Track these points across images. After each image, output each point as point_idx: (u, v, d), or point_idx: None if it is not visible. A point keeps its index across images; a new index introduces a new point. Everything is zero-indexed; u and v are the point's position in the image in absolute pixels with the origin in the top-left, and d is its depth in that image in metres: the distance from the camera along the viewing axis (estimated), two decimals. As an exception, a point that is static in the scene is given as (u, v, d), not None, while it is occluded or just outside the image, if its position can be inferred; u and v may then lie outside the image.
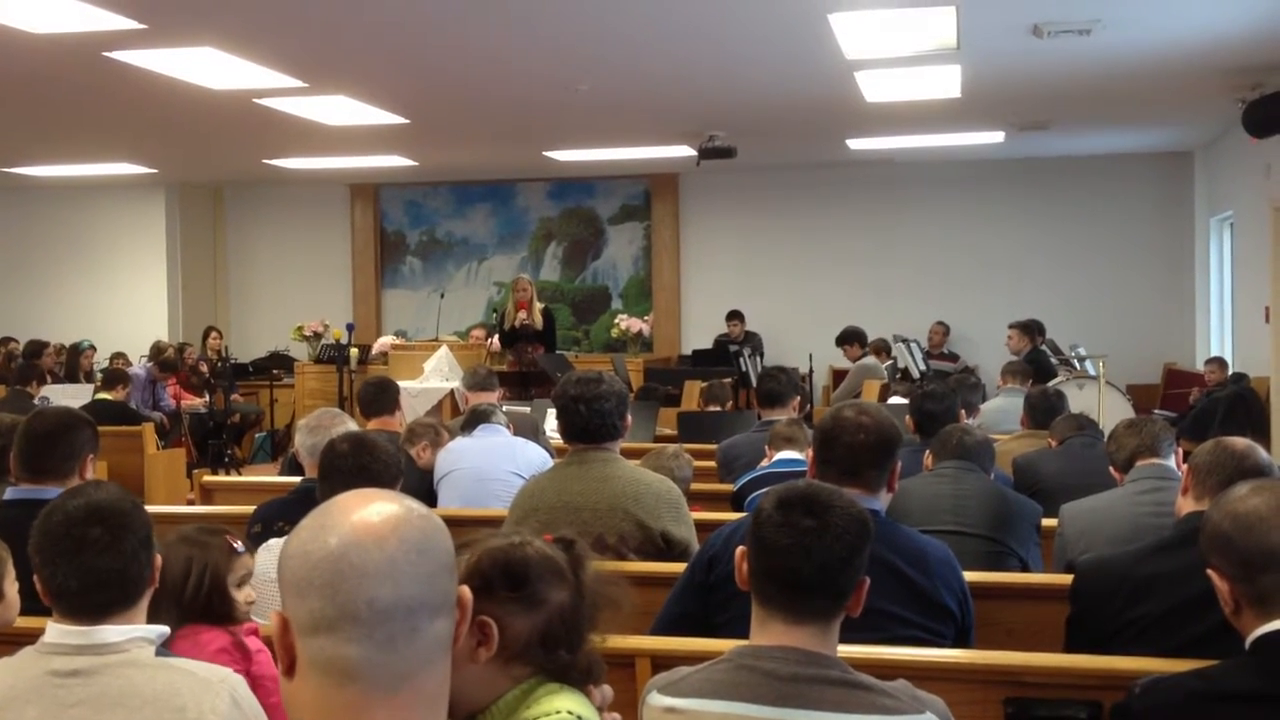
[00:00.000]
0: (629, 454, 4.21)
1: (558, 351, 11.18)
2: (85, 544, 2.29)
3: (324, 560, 1.42)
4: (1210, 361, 10.99)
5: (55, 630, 2.26)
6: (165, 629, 2.35)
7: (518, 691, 1.81)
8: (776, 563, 2.15)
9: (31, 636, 2.31)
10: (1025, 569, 3.87)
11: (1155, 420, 4.02)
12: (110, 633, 2.24)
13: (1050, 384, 8.02)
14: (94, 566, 2.27)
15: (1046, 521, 4.04)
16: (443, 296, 13.65)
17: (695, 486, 5.08)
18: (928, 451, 4.28)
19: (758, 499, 4.17)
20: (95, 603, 2.27)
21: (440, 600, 1.46)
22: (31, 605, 2.55)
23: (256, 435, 12.76)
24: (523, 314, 10.52)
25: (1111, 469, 3.98)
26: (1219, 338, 12.27)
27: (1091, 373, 9.39)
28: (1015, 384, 8.20)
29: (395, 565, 1.41)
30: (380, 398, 5.88)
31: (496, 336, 10.83)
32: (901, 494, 3.46)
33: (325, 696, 1.42)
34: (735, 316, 13.24)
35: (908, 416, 5.12)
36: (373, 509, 1.46)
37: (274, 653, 1.49)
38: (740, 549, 2.25)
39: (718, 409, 8.22)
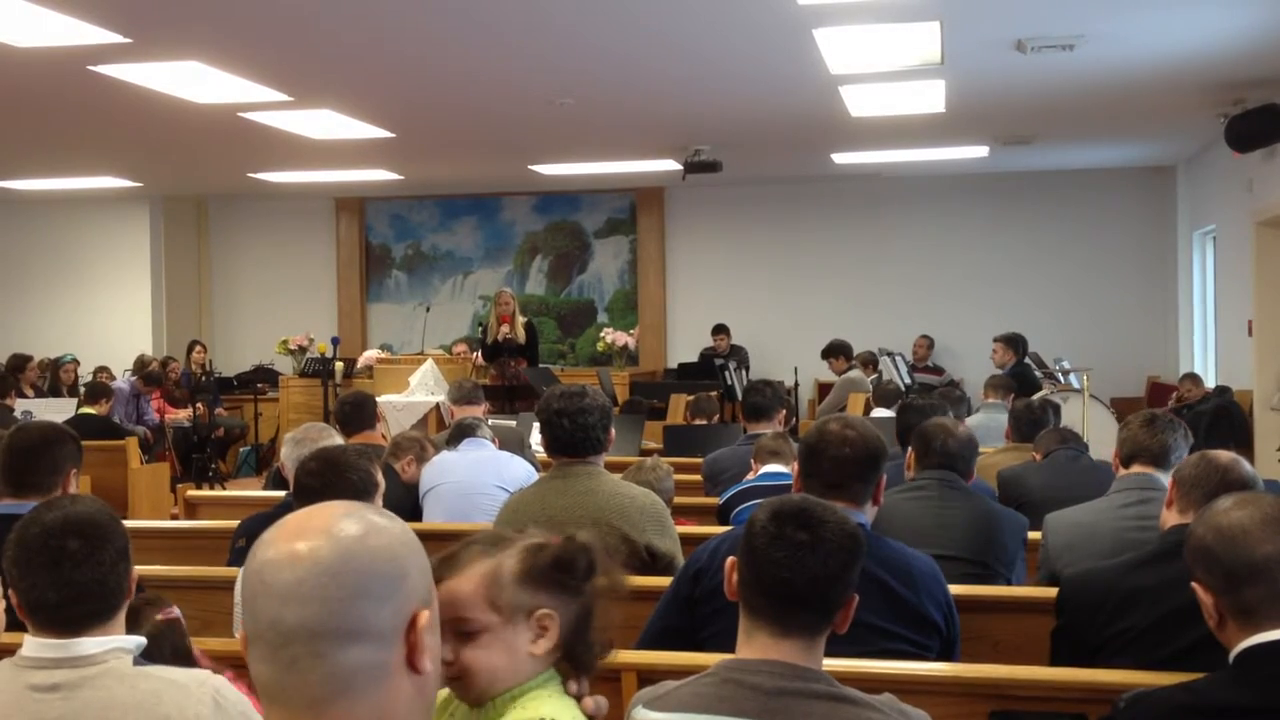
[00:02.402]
0: (613, 467, 4.20)
1: (543, 365, 11.17)
2: (64, 556, 2.27)
3: (248, 576, 1.43)
4: (1186, 378, 10.99)
5: (32, 644, 2.24)
6: (142, 639, 2.33)
7: (528, 685, 1.84)
8: (768, 574, 2.14)
9: (8, 652, 2.30)
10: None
11: (1177, 426, 3.79)
12: (88, 644, 2.22)
13: (1035, 397, 8.04)
14: (73, 579, 2.25)
15: (1032, 534, 4.03)
16: (428, 310, 13.63)
17: (681, 500, 5.08)
18: (909, 451, 4.10)
19: (745, 512, 4.16)
20: (74, 615, 2.25)
21: (355, 627, 1.39)
22: (10, 619, 2.52)
23: (241, 449, 12.71)
24: (505, 328, 10.51)
25: (1114, 457, 3.89)
26: (1202, 351, 12.32)
27: (1075, 386, 9.42)
28: (997, 399, 8.22)
29: (302, 587, 1.38)
30: (358, 414, 5.85)
31: (479, 353, 10.81)
32: (883, 514, 3.33)
33: (265, 712, 1.43)
34: (721, 330, 13.24)
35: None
36: (307, 526, 1.43)
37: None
38: (731, 559, 2.25)
39: (704, 422, 8.23)
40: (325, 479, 3.42)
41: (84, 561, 2.27)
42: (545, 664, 1.85)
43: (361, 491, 3.42)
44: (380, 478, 3.56)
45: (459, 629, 1.78)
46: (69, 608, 2.25)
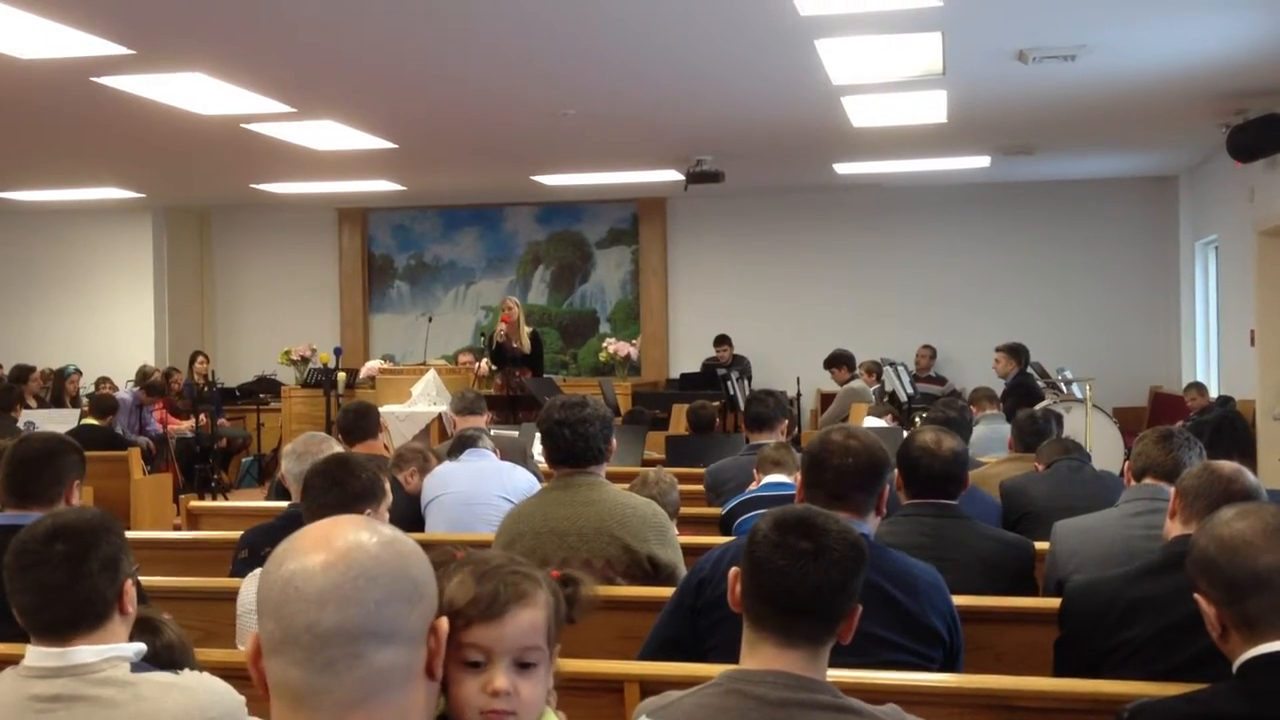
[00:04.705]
0: (616, 477, 4.20)
1: (545, 375, 11.17)
2: (42, 560, 2.30)
3: (275, 583, 1.45)
4: (1190, 387, 11.01)
5: (33, 654, 2.26)
6: (142, 646, 2.34)
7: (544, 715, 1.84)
8: (771, 584, 2.14)
9: (13, 662, 2.31)
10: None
11: (1193, 444, 3.76)
12: (85, 653, 2.23)
13: (1038, 407, 8.03)
14: (45, 582, 2.28)
15: (1037, 545, 4.00)
16: (430, 320, 13.63)
17: (683, 510, 5.06)
18: (896, 472, 3.71)
19: (748, 522, 4.14)
20: (50, 621, 2.27)
21: (390, 629, 1.45)
22: (16, 630, 2.54)
23: (243, 460, 12.70)
24: (503, 327, 10.51)
25: (1126, 470, 3.91)
26: (1204, 361, 12.32)
27: (1078, 396, 9.42)
28: (991, 409, 8.23)
29: (339, 591, 1.42)
30: (360, 423, 5.86)
31: (485, 360, 10.82)
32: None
33: (286, 717, 1.44)
34: (723, 340, 13.25)
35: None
36: (333, 534, 1.47)
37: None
38: (734, 569, 2.25)
39: (705, 432, 8.22)
40: (334, 478, 3.44)
41: (59, 565, 2.29)
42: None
43: (368, 494, 3.44)
44: (388, 487, 3.57)
45: (523, 660, 1.75)
46: (43, 612, 2.27)
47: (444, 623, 1.53)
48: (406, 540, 1.52)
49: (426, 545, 1.66)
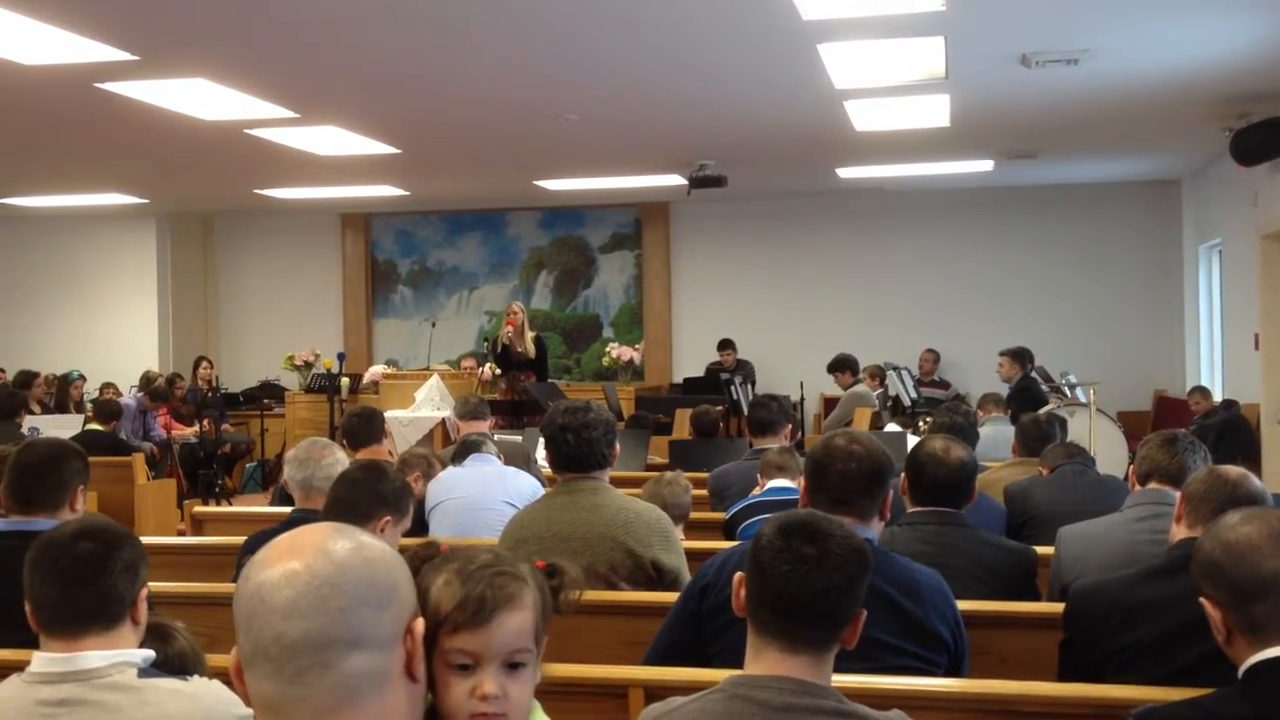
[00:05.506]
0: (620, 482, 4.20)
1: (549, 380, 11.18)
2: (70, 555, 2.34)
3: (244, 598, 1.47)
4: (1194, 391, 10.99)
5: (40, 659, 2.27)
6: (150, 653, 2.35)
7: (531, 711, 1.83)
8: (775, 589, 2.14)
9: (19, 668, 2.31)
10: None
11: (1198, 448, 3.75)
12: (92, 658, 2.25)
13: (1041, 411, 8.02)
14: (69, 574, 2.32)
15: (1041, 550, 4.00)
16: (434, 325, 13.65)
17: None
18: (902, 476, 3.75)
19: (751, 527, 4.14)
20: (72, 614, 2.29)
21: (357, 636, 1.44)
22: (21, 637, 2.55)
23: (247, 465, 12.71)
24: (509, 329, 10.52)
25: (1130, 474, 3.90)
26: (1209, 365, 12.30)
27: (1082, 400, 9.41)
28: (997, 412, 8.22)
29: (303, 601, 1.43)
30: (365, 428, 5.87)
31: (489, 365, 10.83)
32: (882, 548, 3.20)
33: None
34: (727, 345, 13.25)
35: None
36: (299, 544, 1.48)
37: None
38: (739, 575, 2.25)
39: (708, 437, 8.22)
40: (365, 479, 3.54)
41: (86, 560, 2.33)
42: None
43: (393, 500, 3.53)
44: (411, 508, 3.62)
45: (512, 662, 1.73)
46: (67, 605, 2.29)
47: (420, 624, 1.53)
48: (375, 545, 1.52)
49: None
